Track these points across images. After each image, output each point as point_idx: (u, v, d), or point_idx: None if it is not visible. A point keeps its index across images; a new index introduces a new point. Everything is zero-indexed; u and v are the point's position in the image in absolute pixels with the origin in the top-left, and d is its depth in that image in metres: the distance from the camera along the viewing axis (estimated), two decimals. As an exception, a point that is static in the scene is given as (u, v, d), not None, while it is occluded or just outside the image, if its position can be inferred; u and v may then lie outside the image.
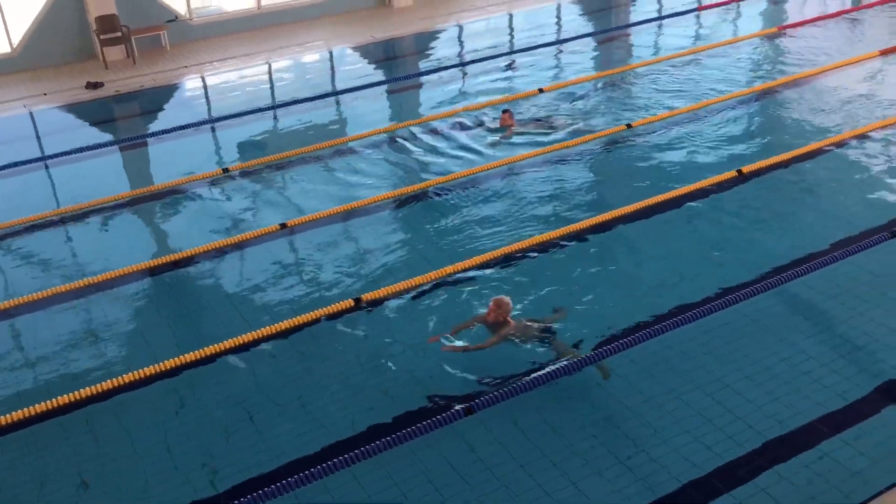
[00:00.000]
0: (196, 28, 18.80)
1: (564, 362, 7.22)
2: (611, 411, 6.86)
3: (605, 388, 7.12)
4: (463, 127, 12.84)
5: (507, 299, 7.64)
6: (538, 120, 12.82)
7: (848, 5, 18.55)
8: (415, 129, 12.94)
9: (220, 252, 9.72)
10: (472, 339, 7.67)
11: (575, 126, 12.47)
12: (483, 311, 7.84)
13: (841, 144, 11.36)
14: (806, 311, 8.09)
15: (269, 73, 16.72)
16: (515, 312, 7.82)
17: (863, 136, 11.53)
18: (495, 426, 6.75)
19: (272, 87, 16.09)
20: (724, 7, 18.72)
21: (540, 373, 7.15)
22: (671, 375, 7.22)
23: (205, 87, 16.14)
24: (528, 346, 7.55)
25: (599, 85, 14.47)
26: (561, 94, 13.95)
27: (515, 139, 12.17)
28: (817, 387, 6.95)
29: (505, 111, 12.73)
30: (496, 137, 12.25)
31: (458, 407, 6.80)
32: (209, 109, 15.05)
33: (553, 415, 6.85)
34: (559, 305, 8.17)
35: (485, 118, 13.06)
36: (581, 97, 13.76)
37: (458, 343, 7.63)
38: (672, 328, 7.65)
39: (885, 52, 14.73)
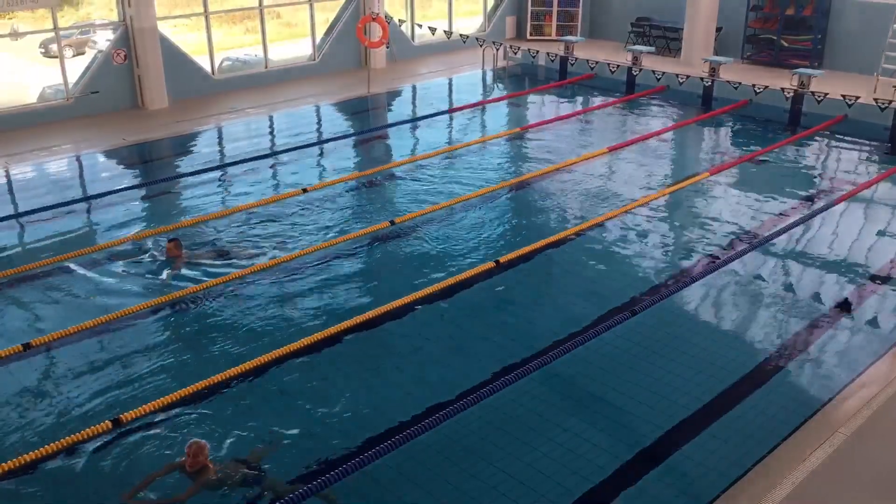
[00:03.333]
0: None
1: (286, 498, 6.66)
2: (391, 510, 6.82)
3: (382, 488, 7.05)
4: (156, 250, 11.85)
5: (204, 442, 7.09)
6: (216, 248, 11.82)
7: (579, 108, 20.63)
8: (160, 238, 12.16)
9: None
10: (166, 491, 7.01)
11: (260, 252, 11.69)
12: (179, 458, 7.14)
13: (583, 233, 12.42)
14: (564, 390, 8.61)
15: (8, 180, 15.38)
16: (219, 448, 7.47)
17: (601, 224, 12.70)
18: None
19: (12, 195, 14.79)
20: (472, 109, 20.07)
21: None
22: (448, 466, 7.32)
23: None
24: (233, 488, 7.00)
25: (362, 184, 14.83)
26: (273, 211, 13.36)
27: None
28: (582, 462, 7.35)
29: (171, 240, 11.46)
30: (168, 270, 11.18)
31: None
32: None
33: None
34: (268, 440, 7.70)
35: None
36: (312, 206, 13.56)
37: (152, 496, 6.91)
38: (441, 421, 7.76)
39: (612, 149, 16.47)
